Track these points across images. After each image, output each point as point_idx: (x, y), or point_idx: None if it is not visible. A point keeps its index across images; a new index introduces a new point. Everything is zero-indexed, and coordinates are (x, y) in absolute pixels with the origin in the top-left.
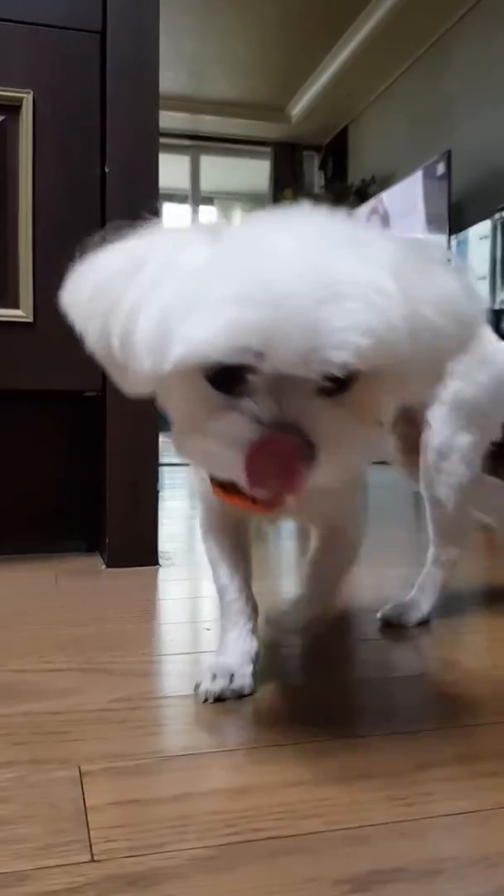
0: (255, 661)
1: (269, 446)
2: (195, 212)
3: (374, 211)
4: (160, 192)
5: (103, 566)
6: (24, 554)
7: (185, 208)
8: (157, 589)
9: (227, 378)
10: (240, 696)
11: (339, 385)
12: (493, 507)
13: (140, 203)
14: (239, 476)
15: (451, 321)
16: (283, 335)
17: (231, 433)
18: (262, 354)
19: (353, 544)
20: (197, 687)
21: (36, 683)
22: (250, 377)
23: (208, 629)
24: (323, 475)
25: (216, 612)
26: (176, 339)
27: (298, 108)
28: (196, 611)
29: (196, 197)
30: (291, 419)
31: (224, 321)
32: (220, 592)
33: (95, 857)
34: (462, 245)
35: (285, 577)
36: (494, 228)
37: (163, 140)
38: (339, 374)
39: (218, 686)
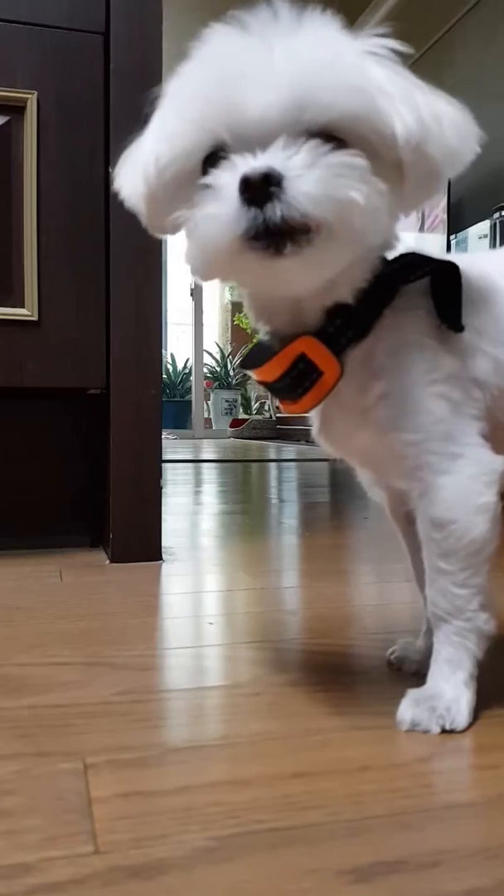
0: None
1: (244, 188)
2: None
3: None
4: None
5: (107, 561)
6: (29, 549)
7: None
8: (161, 584)
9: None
10: None
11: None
12: None
13: None
14: (229, 230)
15: (457, 137)
16: (235, 104)
17: (217, 206)
18: (226, 130)
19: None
20: None
21: (40, 677)
22: (231, 159)
23: (211, 623)
24: (306, 197)
25: (218, 607)
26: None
27: None
28: (199, 605)
29: None
30: (262, 162)
31: (188, 114)
32: None
33: (100, 849)
34: (461, 244)
35: (286, 574)
36: (493, 228)
37: None
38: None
39: None
